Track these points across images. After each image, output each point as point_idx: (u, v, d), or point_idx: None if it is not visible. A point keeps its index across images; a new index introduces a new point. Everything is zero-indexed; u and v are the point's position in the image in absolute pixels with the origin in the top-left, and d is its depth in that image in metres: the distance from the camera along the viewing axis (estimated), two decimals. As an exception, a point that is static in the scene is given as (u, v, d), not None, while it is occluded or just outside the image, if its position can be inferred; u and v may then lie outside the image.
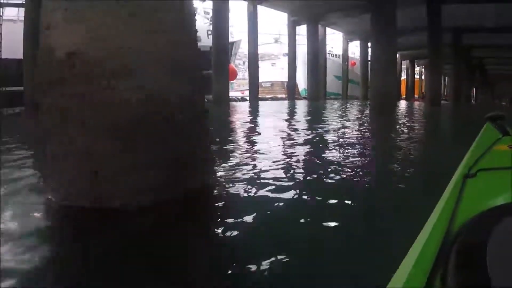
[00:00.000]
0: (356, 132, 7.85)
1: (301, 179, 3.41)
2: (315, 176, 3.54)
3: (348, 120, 10.96)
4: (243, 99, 22.61)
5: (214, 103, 17.37)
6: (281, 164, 3.90)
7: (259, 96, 22.12)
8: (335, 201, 2.67)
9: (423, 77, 46.99)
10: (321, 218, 2.26)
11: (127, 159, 2.13)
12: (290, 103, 21.11)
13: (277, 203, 2.53)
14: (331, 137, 6.54)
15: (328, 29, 27.07)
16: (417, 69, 45.95)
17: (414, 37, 22.98)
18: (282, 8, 23.36)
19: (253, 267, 1.66)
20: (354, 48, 33.46)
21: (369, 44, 26.53)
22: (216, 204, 2.49)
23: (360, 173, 3.85)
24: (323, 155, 4.85)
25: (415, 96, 43.12)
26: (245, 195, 2.67)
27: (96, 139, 2.10)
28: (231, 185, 2.88)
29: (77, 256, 1.77)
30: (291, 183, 3.11)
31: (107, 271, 1.64)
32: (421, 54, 32.44)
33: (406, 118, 12.56)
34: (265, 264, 1.66)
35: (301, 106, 18.13)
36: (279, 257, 1.72)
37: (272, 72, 34.55)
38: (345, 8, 21.09)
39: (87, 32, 2.07)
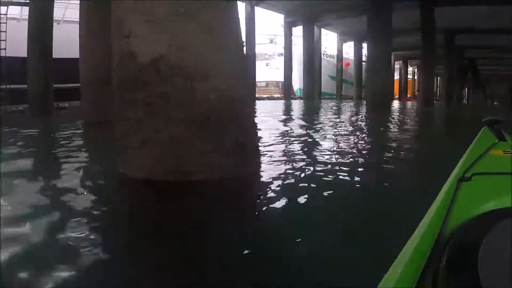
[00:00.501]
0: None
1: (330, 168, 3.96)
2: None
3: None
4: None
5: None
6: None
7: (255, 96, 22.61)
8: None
9: (415, 77, 47.70)
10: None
11: (204, 144, 2.64)
12: (287, 102, 21.69)
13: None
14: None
15: (322, 30, 27.48)
16: (409, 69, 46.48)
17: (407, 38, 23.32)
18: (278, 9, 23.82)
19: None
20: (348, 49, 33.99)
21: (363, 45, 27.14)
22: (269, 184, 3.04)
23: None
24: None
25: (408, 95, 43.61)
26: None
27: (180, 128, 2.60)
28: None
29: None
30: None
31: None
32: (414, 55, 32.70)
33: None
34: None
35: (306, 107, 18.57)
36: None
37: (267, 72, 34.84)
38: (340, 9, 21.39)
39: (168, 42, 2.57)
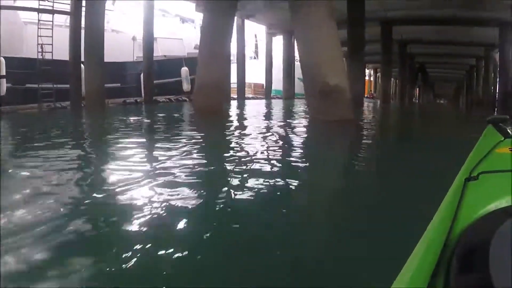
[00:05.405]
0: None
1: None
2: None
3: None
4: (232, 99, 28.50)
5: (219, 102, 24.27)
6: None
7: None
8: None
9: (371, 79, 54.90)
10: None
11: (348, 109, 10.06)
12: (286, 101, 28.07)
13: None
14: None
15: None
16: (366, 71, 53.00)
17: (366, 46, 28.91)
18: (263, 22, 30.49)
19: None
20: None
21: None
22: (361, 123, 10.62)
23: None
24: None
25: (365, 95, 50.22)
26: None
27: (343, 104, 10.16)
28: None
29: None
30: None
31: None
32: (371, 59, 37.90)
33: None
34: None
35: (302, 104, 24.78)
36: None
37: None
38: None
39: (339, 80, 10.07)
